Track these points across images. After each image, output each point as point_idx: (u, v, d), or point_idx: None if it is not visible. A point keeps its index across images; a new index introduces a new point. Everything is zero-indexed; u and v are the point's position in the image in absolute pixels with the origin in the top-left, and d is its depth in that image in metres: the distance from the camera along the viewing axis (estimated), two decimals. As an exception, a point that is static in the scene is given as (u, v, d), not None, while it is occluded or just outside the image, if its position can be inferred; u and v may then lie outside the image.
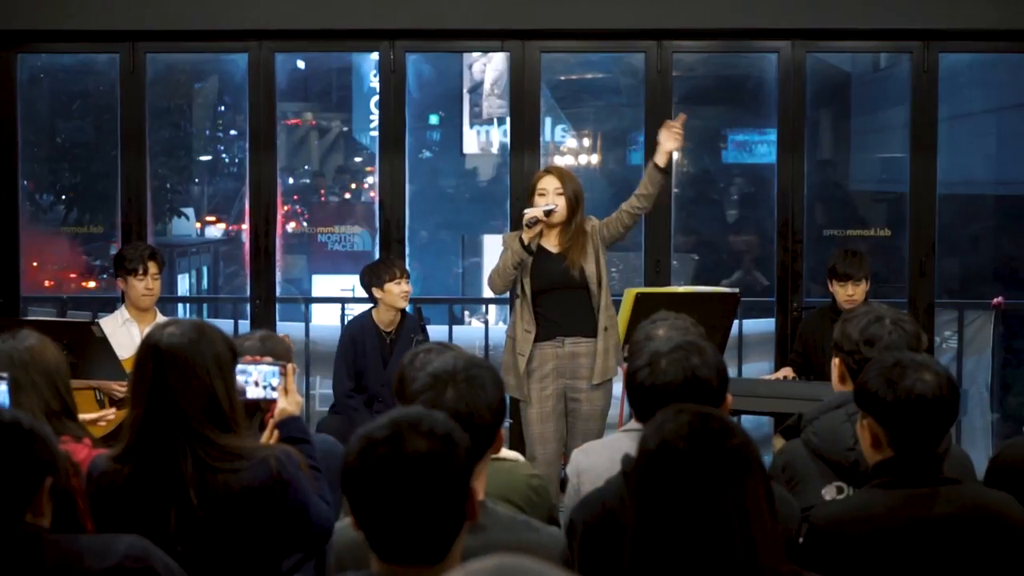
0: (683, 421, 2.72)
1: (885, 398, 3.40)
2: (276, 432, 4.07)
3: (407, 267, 7.92)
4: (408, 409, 2.67)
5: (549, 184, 6.99)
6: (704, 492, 2.63)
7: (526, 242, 6.85)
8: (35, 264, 9.49)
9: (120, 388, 6.78)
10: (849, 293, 7.49)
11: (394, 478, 2.51)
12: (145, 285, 7.21)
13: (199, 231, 12.27)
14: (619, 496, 3.39)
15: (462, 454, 2.59)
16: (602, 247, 7.04)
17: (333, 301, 9.56)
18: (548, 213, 6.89)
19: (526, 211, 6.94)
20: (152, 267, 7.24)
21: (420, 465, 2.52)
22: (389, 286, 7.59)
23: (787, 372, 7.80)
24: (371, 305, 7.74)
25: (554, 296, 6.98)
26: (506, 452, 4.11)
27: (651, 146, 8.55)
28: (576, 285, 6.96)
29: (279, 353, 4.47)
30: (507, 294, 7.28)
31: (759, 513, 2.65)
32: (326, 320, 9.57)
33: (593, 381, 6.94)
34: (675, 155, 8.84)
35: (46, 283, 9.78)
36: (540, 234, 6.94)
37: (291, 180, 12.19)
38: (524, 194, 8.14)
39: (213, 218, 12.40)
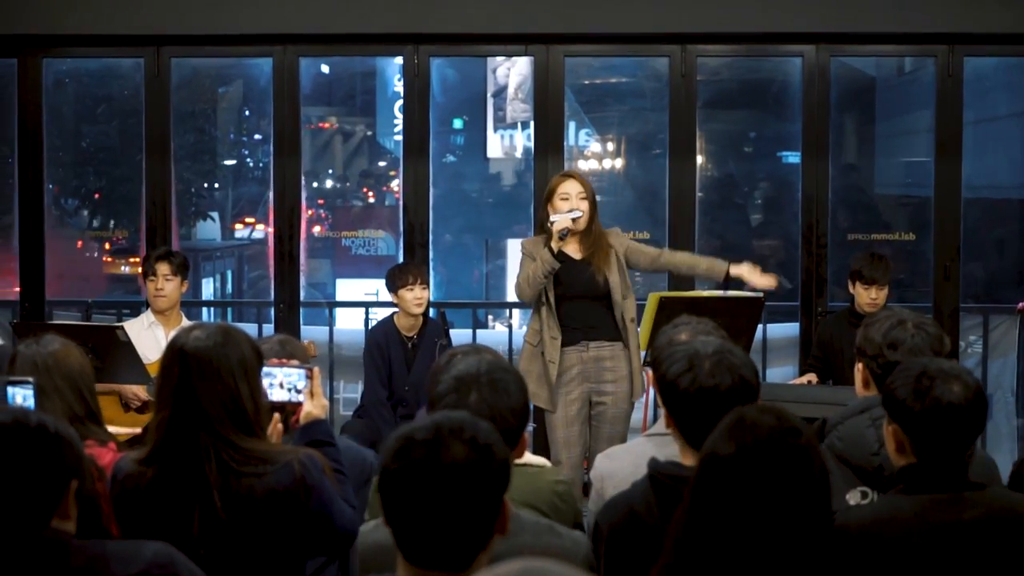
0: (765, 424, 2.74)
1: (913, 408, 3.38)
2: (279, 427, 4.07)
3: (430, 271, 7.92)
4: (453, 413, 2.65)
5: (572, 189, 6.94)
6: (778, 494, 2.64)
7: (555, 250, 6.82)
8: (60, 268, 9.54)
9: (136, 398, 6.82)
10: (873, 297, 7.47)
11: (429, 483, 2.49)
12: (155, 286, 7.26)
13: (237, 232, 12.29)
14: (645, 499, 3.39)
15: (500, 467, 2.56)
16: (624, 263, 7.02)
17: (357, 305, 9.57)
18: (575, 220, 6.87)
19: (553, 220, 6.87)
20: (163, 268, 7.26)
21: (456, 473, 2.50)
22: (402, 292, 7.60)
23: (811, 377, 7.79)
24: (394, 310, 7.76)
25: (576, 304, 6.95)
26: (533, 458, 4.10)
27: (675, 150, 8.58)
28: (600, 293, 6.94)
29: (298, 357, 4.48)
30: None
31: (821, 510, 2.68)
32: (350, 324, 9.59)
33: (634, 399, 6.96)
34: (700, 158, 8.86)
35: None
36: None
37: (315, 184, 12.21)
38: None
39: (252, 220, 12.43)
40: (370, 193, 12.82)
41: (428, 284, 7.72)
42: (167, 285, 7.27)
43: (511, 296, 10.87)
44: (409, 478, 2.51)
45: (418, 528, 2.52)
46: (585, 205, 6.91)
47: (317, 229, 11.71)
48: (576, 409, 6.93)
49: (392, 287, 7.64)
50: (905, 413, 3.40)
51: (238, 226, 12.42)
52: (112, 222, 10.27)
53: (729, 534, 2.68)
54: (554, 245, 6.80)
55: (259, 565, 3.70)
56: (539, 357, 6.97)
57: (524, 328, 7.67)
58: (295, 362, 4.21)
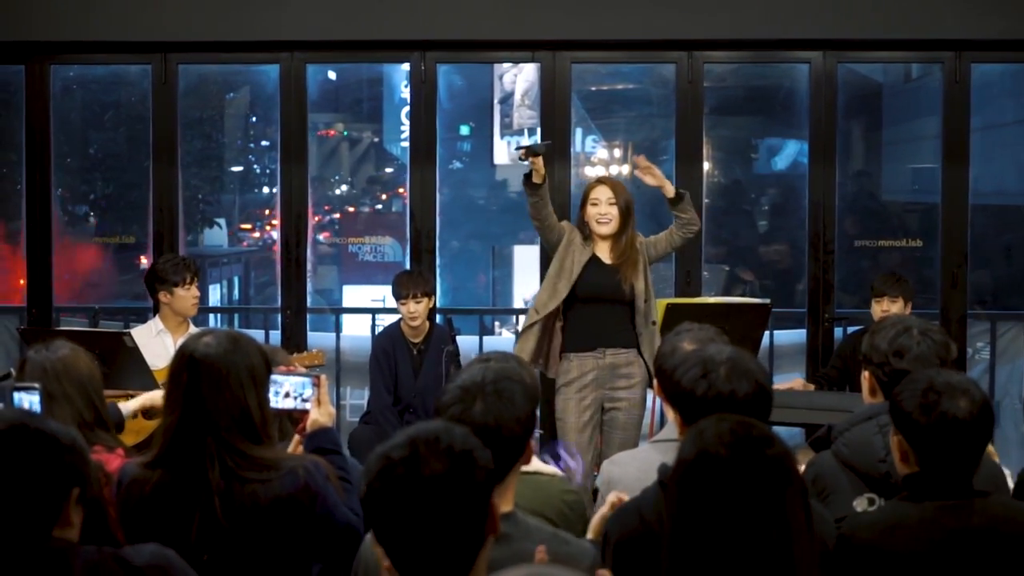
0: (725, 429, 2.71)
1: (919, 422, 3.38)
2: (300, 445, 4.07)
3: (436, 278, 7.90)
4: (427, 425, 2.65)
5: (602, 194, 7.01)
6: (745, 501, 2.62)
7: (535, 180, 6.88)
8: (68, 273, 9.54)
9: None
10: (884, 309, 7.48)
11: (413, 499, 2.50)
12: (192, 294, 7.25)
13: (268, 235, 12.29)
14: (655, 507, 3.37)
15: (482, 472, 2.57)
16: (648, 264, 7.05)
17: (363, 312, 9.57)
18: (539, 149, 6.90)
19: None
20: (194, 276, 7.29)
21: (439, 486, 2.50)
22: (399, 304, 7.64)
23: (799, 383, 7.79)
24: (400, 316, 7.76)
25: (598, 307, 6.98)
26: (544, 467, 4.11)
27: (682, 156, 8.58)
28: (624, 299, 6.96)
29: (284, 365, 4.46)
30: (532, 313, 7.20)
31: (798, 524, 2.64)
32: (357, 331, 9.57)
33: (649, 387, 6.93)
34: (706, 165, 8.86)
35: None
36: (543, 186, 6.93)
37: (316, 190, 12.19)
38: (555, 205, 8.16)
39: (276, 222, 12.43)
40: (377, 203, 12.81)
41: (429, 294, 7.71)
42: (198, 291, 7.31)
43: (518, 303, 10.89)
44: (393, 497, 2.52)
45: (410, 545, 2.52)
46: (614, 211, 6.97)
47: (324, 235, 11.69)
48: (589, 415, 6.94)
49: (393, 296, 7.69)
50: (911, 426, 3.40)
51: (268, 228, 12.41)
52: (120, 228, 10.26)
53: (700, 537, 2.66)
54: (536, 172, 6.86)
55: (262, 572, 3.69)
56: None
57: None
58: (302, 370, 4.20)
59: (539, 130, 8.81)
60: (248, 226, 12.48)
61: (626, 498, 3.57)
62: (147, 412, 6.82)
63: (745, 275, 10.27)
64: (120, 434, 4.79)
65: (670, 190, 7.07)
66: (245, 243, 12.42)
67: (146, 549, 3.03)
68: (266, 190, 12.16)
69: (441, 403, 3.20)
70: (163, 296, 7.26)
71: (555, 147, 8.60)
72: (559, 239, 7.05)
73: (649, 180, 7.13)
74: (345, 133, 12.69)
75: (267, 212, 11.86)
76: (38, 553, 2.82)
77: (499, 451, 3.03)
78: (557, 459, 6.37)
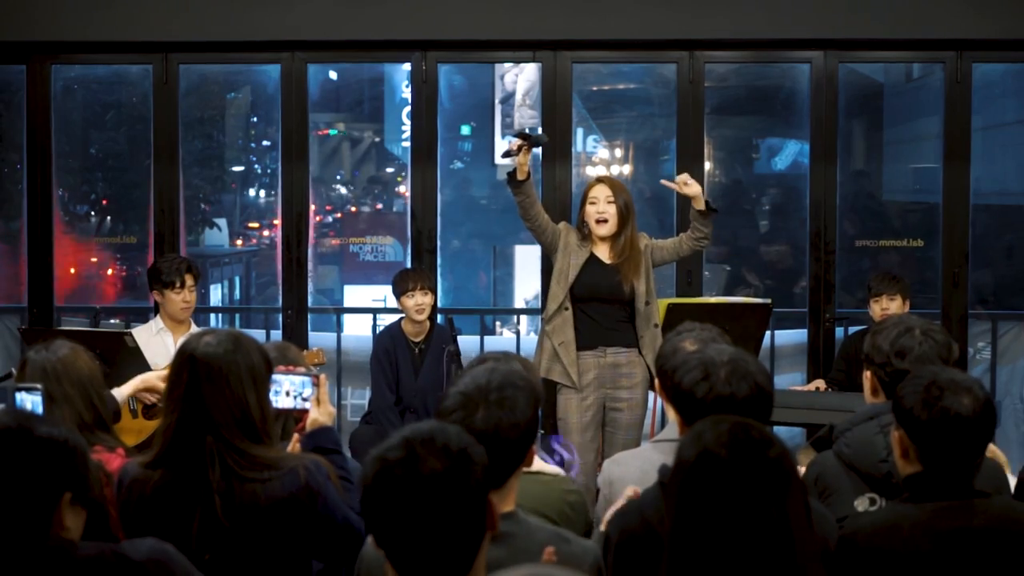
0: (723, 430, 2.71)
1: (920, 418, 3.37)
2: (297, 445, 4.07)
3: (438, 277, 7.88)
4: (420, 425, 2.65)
5: (600, 193, 7.01)
6: (745, 503, 2.62)
7: (519, 177, 6.83)
8: (71, 272, 9.53)
9: (151, 396, 6.81)
10: (883, 307, 7.51)
11: (411, 499, 2.50)
12: (183, 299, 7.22)
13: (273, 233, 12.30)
14: (656, 507, 3.37)
15: (478, 469, 2.57)
16: (651, 267, 7.04)
17: (364, 311, 9.57)
18: (541, 139, 6.90)
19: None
20: (189, 280, 7.25)
21: (437, 484, 2.51)
22: (403, 299, 7.60)
23: (819, 384, 7.79)
24: (401, 315, 7.75)
25: (597, 307, 6.97)
26: (545, 466, 4.10)
27: (683, 156, 8.58)
28: (623, 299, 6.96)
29: (298, 364, 4.46)
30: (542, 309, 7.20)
31: (799, 525, 2.65)
32: (358, 330, 9.55)
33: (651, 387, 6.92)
34: (707, 164, 8.86)
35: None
36: (528, 177, 6.88)
37: (316, 189, 12.20)
38: (556, 205, 8.17)
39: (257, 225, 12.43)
40: (377, 203, 12.80)
41: (433, 290, 7.70)
42: (192, 297, 7.27)
43: (519, 303, 10.88)
44: (392, 498, 2.52)
45: (410, 545, 2.52)
46: (612, 209, 6.96)
47: (325, 235, 11.70)
48: (591, 415, 6.94)
49: (395, 293, 7.66)
50: (912, 422, 3.39)
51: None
52: (121, 228, 10.27)
53: (700, 538, 2.66)
54: (520, 168, 6.81)
55: (264, 571, 3.69)
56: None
57: (532, 335, 7.66)
58: (301, 369, 4.20)
59: (539, 130, 8.80)
60: (255, 224, 12.48)
61: (641, 492, 3.57)
62: (148, 412, 6.83)
63: (750, 278, 10.27)
64: (117, 423, 4.78)
65: (701, 203, 7.03)
66: (254, 240, 12.42)
67: (144, 544, 3.03)
68: (267, 191, 12.15)
69: (443, 408, 3.19)
70: (156, 295, 7.28)
71: (556, 147, 8.61)
72: (553, 240, 7.04)
73: (688, 191, 7.08)
74: (345, 132, 12.67)
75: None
76: (36, 551, 2.81)
77: (500, 457, 3.03)
78: (551, 453, 6.41)
